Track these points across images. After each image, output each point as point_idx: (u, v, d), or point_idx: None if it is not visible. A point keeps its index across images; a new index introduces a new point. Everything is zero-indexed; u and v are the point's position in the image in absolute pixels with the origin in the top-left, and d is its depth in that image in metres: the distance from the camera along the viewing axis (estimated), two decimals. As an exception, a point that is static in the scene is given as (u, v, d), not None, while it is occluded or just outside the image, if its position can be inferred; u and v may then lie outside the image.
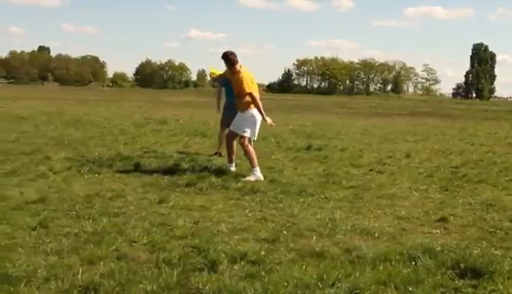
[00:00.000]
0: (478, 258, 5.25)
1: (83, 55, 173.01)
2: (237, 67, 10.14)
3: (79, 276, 4.63)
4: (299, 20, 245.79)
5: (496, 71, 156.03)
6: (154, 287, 4.46)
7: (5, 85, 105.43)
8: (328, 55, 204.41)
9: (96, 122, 21.86)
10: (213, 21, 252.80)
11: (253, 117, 10.16)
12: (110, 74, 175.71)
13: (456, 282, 4.78)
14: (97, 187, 8.52)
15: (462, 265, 5.06)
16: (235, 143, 10.50)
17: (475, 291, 4.62)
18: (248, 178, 9.62)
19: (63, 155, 11.70)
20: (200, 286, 4.50)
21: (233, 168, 10.43)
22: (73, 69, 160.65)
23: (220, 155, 12.41)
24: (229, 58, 10.10)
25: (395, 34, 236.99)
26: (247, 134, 10.17)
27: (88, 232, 5.97)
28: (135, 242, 5.70)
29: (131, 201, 7.63)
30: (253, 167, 9.93)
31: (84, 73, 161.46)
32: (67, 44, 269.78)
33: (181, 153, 12.88)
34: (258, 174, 9.82)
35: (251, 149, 10.14)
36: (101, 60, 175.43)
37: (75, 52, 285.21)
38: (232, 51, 10.17)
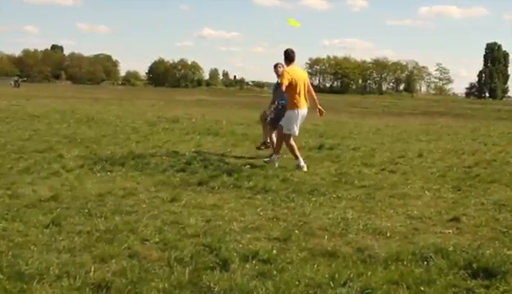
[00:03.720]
0: (490, 258, 5.24)
1: (96, 53, 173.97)
2: (285, 65, 11.41)
3: (91, 274, 4.65)
4: (313, 19, 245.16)
5: (510, 70, 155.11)
6: (166, 285, 4.47)
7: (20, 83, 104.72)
8: (341, 54, 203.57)
9: (108, 120, 21.90)
10: (226, 20, 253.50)
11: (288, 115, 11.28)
12: (122, 73, 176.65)
13: (469, 282, 4.77)
14: (110, 185, 8.55)
15: (474, 265, 5.05)
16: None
17: (487, 291, 4.61)
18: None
19: (76, 153, 11.76)
20: (212, 284, 4.51)
21: (302, 164, 10.98)
22: (85, 67, 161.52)
23: (266, 146, 12.55)
24: (284, 55, 11.36)
25: (409, 33, 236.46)
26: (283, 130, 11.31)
27: (100, 230, 5.99)
28: (147, 240, 5.71)
29: (143, 199, 7.65)
30: (275, 152, 11.45)
31: (97, 72, 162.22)
32: (80, 43, 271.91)
33: (194, 151, 12.88)
34: (273, 158, 11.31)
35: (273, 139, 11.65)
36: (113, 58, 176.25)
37: (88, 51, 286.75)
38: (291, 48, 11.34)
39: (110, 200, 7.51)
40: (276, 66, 12.09)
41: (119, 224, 6.24)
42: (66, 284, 4.45)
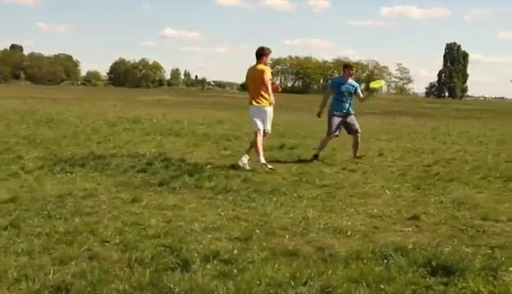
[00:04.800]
0: (449, 256, 5.31)
1: (56, 53, 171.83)
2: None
3: (50, 276, 4.59)
4: (275, 19, 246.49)
5: (470, 70, 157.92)
6: (127, 286, 4.44)
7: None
8: (303, 54, 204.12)
9: (68, 120, 21.69)
10: (188, 20, 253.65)
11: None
12: (83, 73, 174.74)
13: (428, 279, 4.82)
14: (70, 186, 8.46)
15: (433, 263, 5.11)
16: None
17: (446, 288, 4.66)
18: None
19: (35, 154, 11.60)
20: (173, 285, 4.48)
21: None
22: (45, 67, 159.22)
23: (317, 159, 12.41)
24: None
25: (370, 34, 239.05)
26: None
27: (60, 232, 5.92)
28: (107, 241, 5.67)
29: (103, 200, 7.59)
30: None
31: (57, 72, 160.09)
32: (40, 43, 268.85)
33: (155, 152, 12.81)
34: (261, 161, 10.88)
35: (256, 139, 11.17)
36: (74, 58, 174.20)
37: (48, 51, 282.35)
38: (264, 46, 11.62)
39: (69, 201, 7.43)
40: (347, 67, 13.74)
41: (79, 225, 6.18)
42: (25, 287, 4.39)
